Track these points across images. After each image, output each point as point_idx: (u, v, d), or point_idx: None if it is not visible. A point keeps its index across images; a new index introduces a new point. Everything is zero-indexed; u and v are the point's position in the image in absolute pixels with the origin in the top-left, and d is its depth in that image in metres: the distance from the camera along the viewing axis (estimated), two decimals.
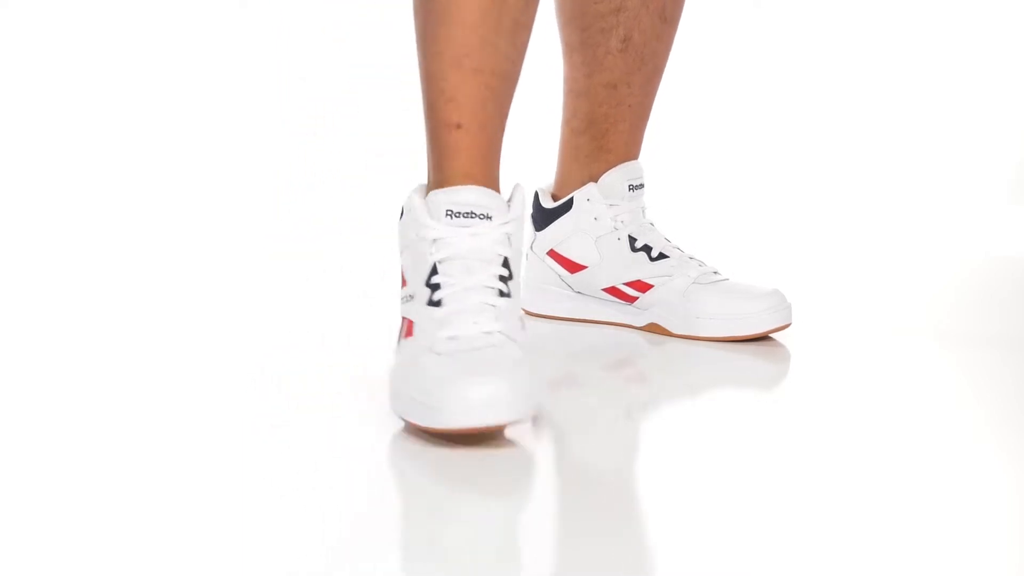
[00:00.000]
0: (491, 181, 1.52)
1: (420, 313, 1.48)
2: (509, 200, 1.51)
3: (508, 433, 1.43)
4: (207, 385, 1.62)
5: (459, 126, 1.51)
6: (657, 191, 2.12)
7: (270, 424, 1.50)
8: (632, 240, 1.89)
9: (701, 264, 1.87)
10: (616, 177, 1.89)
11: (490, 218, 1.48)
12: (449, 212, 1.49)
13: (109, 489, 1.30)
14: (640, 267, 1.88)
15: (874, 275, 2.36)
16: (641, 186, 1.91)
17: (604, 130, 1.89)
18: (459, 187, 1.49)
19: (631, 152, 1.90)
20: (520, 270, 1.52)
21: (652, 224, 1.91)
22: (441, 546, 1.20)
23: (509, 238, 1.50)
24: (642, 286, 1.87)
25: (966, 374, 1.74)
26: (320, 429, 1.48)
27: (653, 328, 1.86)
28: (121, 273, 2.31)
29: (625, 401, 1.65)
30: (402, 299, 1.52)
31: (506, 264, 1.48)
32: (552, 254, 1.92)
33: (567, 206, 1.91)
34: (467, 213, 1.49)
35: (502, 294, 1.47)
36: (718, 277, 1.86)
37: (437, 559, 1.17)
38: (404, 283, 1.52)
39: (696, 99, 3.09)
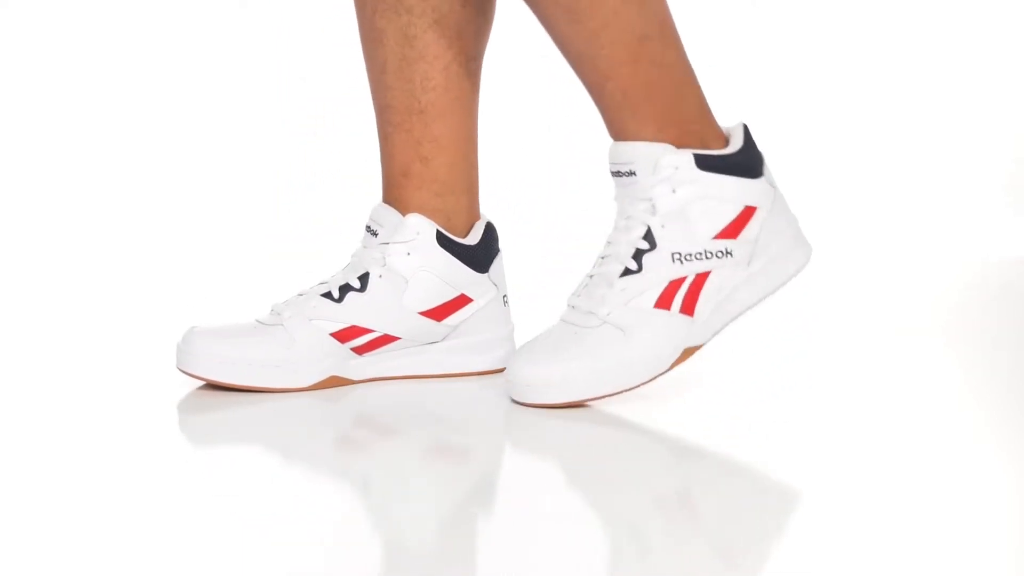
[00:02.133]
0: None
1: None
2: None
3: (508, 432, 1.43)
4: (206, 385, 1.61)
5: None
6: None
7: (269, 422, 1.50)
8: None
9: None
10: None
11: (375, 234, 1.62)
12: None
13: (106, 490, 1.30)
14: None
15: (878, 276, 2.36)
16: (619, 174, 1.60)
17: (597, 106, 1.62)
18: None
19: (618, 131, 1.60)
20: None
21: None
22: (443, 553, 1.19)
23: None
24: None
25: (969, 375, 1.74)
26: (319, 427, 1.48)
27: None
28: (121, 273, 2.31)
29: (625, 401, 1.64)
30: None
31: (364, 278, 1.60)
32: None
33: None
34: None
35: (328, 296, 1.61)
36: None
37: (438, 567, 1.16)
38: None
39: None
